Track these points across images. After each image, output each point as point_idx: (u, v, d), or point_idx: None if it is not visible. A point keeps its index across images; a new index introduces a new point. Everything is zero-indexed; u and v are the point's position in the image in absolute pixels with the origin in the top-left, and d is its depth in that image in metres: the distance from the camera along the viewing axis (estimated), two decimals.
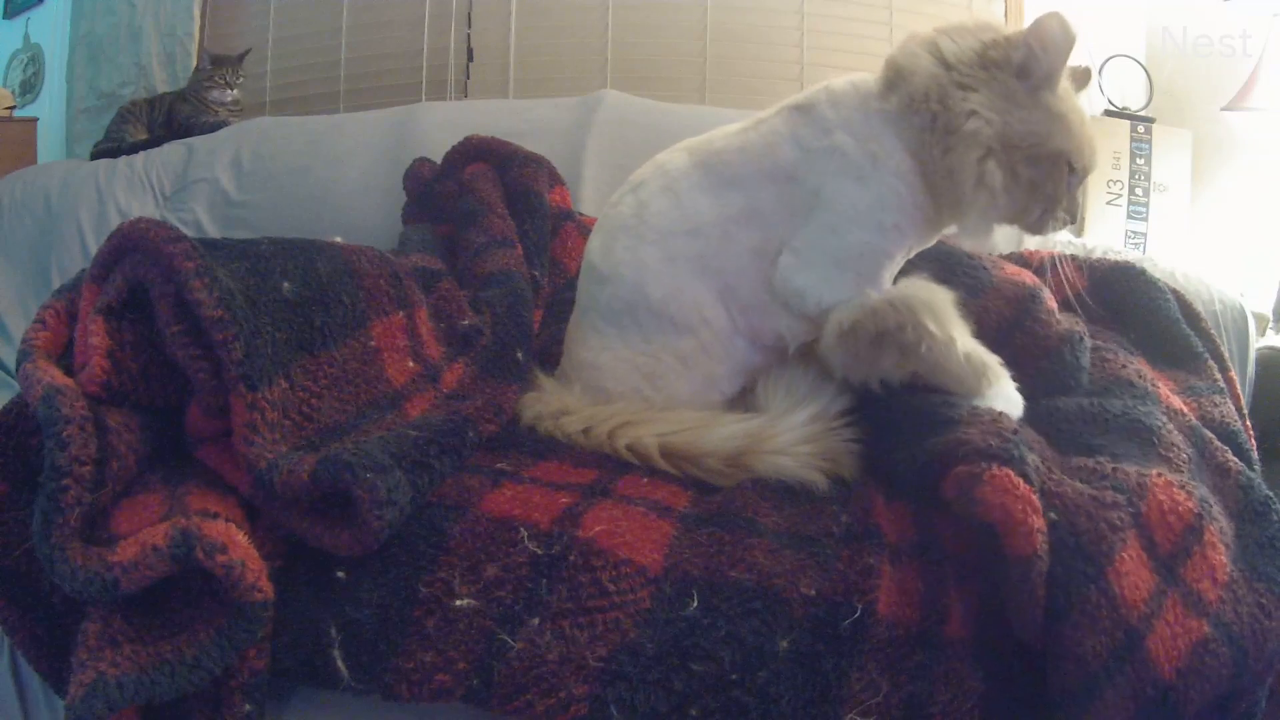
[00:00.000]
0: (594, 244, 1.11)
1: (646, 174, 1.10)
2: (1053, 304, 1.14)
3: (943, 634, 0.74)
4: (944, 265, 1.14)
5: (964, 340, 0.96)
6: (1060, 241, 1.61)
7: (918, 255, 1.09)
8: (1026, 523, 0.71)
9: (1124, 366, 1.07)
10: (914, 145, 0.98)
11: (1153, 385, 1.04)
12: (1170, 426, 0.94)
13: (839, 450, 0.95)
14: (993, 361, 0.97)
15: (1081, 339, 1.09)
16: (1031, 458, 0.79)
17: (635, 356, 1.04)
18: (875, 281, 1.00)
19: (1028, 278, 1.16)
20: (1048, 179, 0.95)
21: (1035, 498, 0.74)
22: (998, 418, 0.88)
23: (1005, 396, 0.97)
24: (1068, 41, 0.92)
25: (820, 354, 1.00)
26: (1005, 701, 0.73)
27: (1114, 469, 0.83)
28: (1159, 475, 0.82)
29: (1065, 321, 1.12)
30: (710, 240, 1.03)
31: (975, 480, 0.75)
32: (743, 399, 1.06)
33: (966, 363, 0.94)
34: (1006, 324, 1.11)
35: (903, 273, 1.07)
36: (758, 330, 1.04)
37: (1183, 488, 0.81)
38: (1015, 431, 0.84)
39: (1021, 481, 0.74)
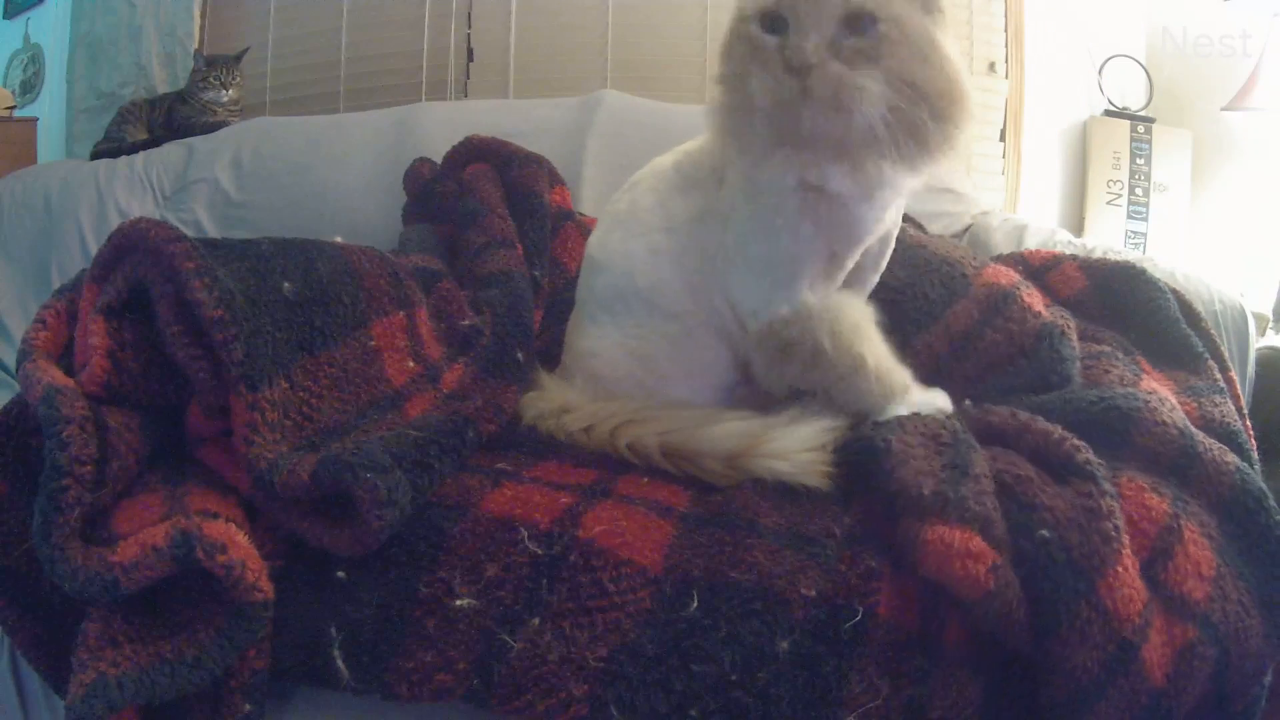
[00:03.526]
0: (593, 239, 1.15)
1: (643, 174, 1.13)
2: (1032, 300, 1.12)
3: (943, 639, 0.74)
4: (918, 270, 1.14)
5: (875, 358, 0.94)
6: (1060, 242, 1.61)
7: (895, 261, 1.09)
8: (968, 576, 0.71)
9: (1106, 372, 1.05)
10: None
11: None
12: (1154, 404, 0.92)
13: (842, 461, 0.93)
14: (901, 380, 0.96)
15: (1062, 333, 1.08)
16: (970, 488, 0.77)
17: (628, 340, 1.06)
18: (792, 287, 0.97)
19: (1005, 279, 1.14)
20: (737, 40, 0.87)
21: (977, 542, 0.73)
22: (935, 434, 0.87)
23: (919, 404, 0.96)
24: None
25: (747, 360, 1.01)
26: (1005, 708, 0.73)
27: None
28: (1129, 481, 0.82)
29: (1047, 316, 1.10)
30: (680, 239, 1.04)
31: (911, 545, 0.75)
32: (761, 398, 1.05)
33: (876, 381, 0.94)
34: (975, 325, 1.10)
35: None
36: (724, 329, 1.04)
37: (1154, 490, 0.81)
38: (954, 447, 0.83)
39: (958, 533, 0.73)
